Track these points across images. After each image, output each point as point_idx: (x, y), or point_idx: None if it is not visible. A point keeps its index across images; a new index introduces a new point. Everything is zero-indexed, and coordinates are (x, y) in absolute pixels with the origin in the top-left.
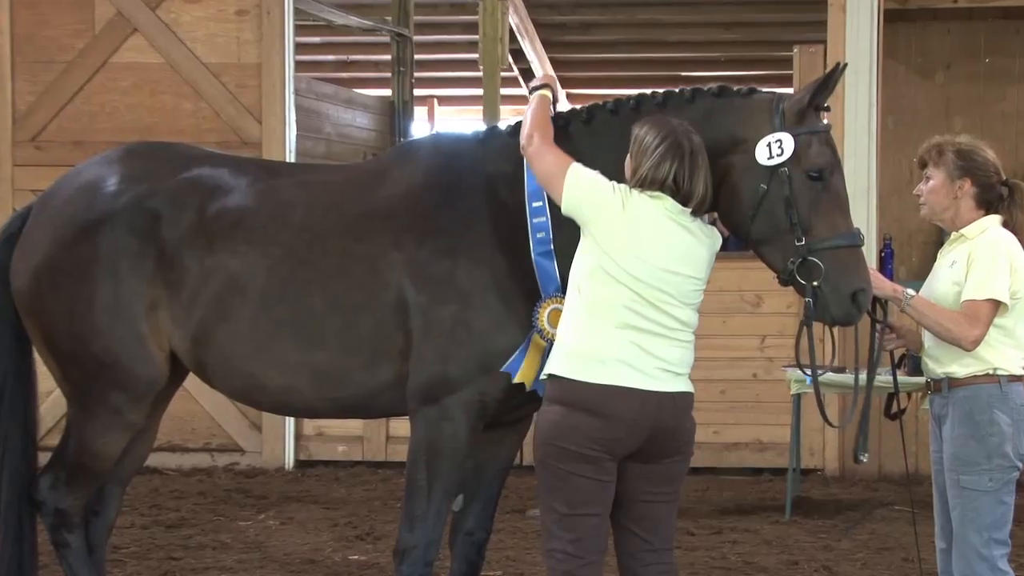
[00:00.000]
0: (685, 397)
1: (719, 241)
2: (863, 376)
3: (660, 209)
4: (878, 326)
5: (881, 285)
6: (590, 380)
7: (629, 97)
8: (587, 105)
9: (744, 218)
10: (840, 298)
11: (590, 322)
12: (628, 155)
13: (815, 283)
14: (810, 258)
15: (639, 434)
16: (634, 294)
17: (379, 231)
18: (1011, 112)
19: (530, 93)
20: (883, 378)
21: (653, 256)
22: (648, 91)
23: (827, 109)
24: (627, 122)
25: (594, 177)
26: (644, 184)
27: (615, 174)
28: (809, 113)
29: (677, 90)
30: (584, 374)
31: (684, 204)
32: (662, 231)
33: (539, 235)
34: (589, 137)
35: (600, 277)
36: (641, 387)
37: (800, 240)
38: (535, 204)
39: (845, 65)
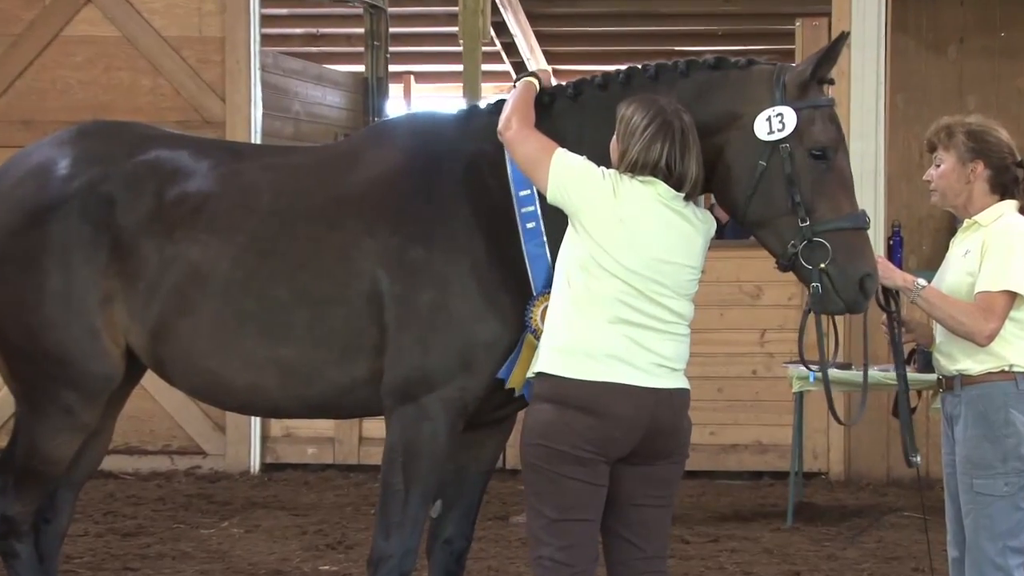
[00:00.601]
0: (682, 394)
1: (714, 226)
2: (883, 375)
3: (653, 195)
4: (893, 318)
5: (890, 274)
6: (583, 377)
7: (619, 71)
8: (574, 80)
9: (741, 198)
10: (846, 284)
11: (581, 316)
12: (614, 136)
13: (821, 266)
14: (815, 239)
15: (635, 434)
16: (627, 286)
17: (351, 217)
18: None
19: (516, 81)
20: (890, 374)
21: (648, 245)
22: (639, 65)
23: (831, 82)
24: (617, 98)
25: (582, 162)
26: (635, 168)
27: (605, 153)
28: (812, 86)
29: (670, 63)
30: (576, 371)
31: (677, 188)
32: (656, 218)
33: (528, 225)
34: (576, 115)
35: (592, 269)
36: (637, 384)
37: (804, 221)
38: (522, 192)
39: (848, 34)
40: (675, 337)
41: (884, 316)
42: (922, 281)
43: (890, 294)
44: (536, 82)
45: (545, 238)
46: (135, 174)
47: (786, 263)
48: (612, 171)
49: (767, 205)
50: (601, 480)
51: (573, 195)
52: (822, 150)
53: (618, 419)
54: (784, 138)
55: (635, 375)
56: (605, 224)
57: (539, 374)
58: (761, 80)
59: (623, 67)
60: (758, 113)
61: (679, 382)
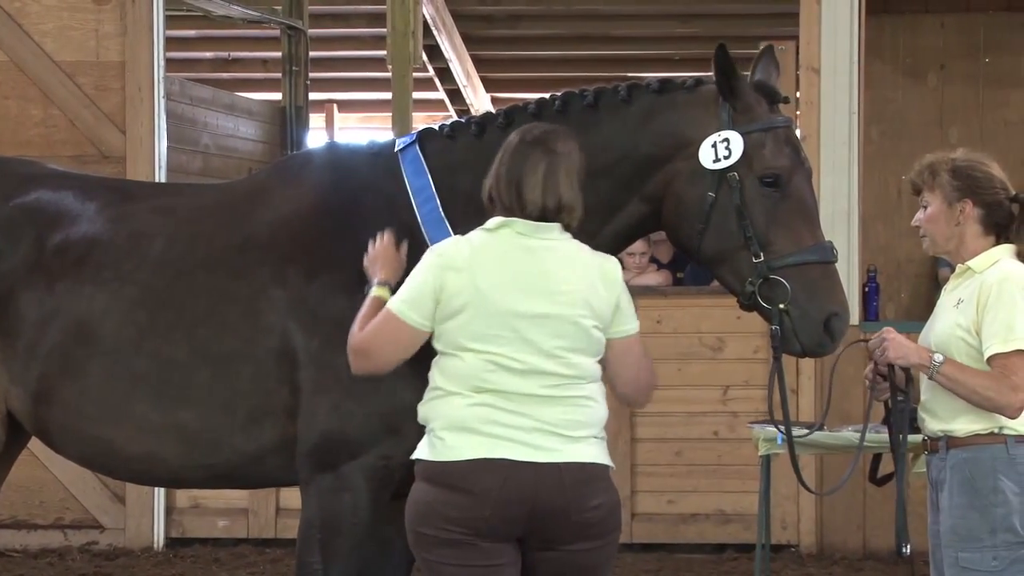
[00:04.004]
0: (581, 468)
1: (616, 265)
2: (874, 436)
3: (504, 243)
4: (900, 399)
5: (903, 353)
6: (450, 457)
7: (554, 97)
8: (505, 108)
9: (692, 233)
10: (810, 324)
11: (448, 396)
12: None
13: (781, 306)
14: (772, 277)
15: (511, 512)
16: (493, 355)
17: (258, 264)
18: (1016, 120)
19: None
20: (870, 435)
21: (503, 304)
22: (576, 90)
23: (785, 100)
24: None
25: (409, 290)
26: (489, 213)
27: None
28: (761, 105)
29: (610, 87)
30: (445, 451)
31: (537, 215)
32: (510, 271)
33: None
34: None
35: (454, 351)
36: (507, 457)
37: (758, 256)
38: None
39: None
40: (567, 401)
41: (867, 370)
42: (939, 356)
43: (903, 371)
44: (387, 295)
45: None
46: (12, 219)
47: (746, 302)
48: (437, 248)
49: (720, 240)
50: (484, 561)
51: (439, 313)
52: (774, 176)
53: (484, 496)
54: (731, 166)
55: (507, 448)
56: (454, 303)
57: (415, 461)
58: (707, 102)
59: (559, 93)
60: (704, 139)
61: (576, 454)
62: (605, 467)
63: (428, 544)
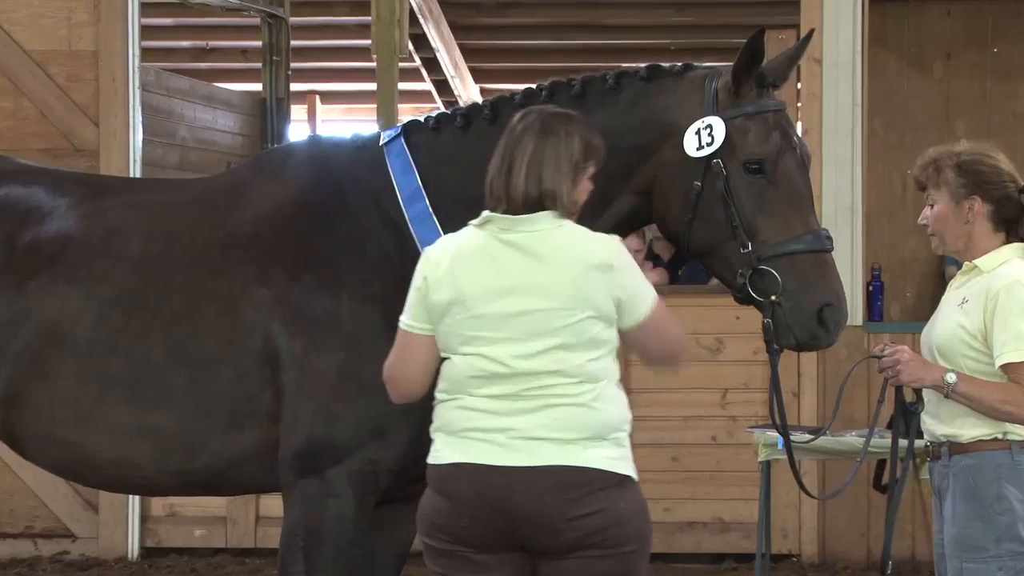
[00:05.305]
0: (566, 472)
1: (603, 243)
2: (861, 441)
3: (484, 240)
4: (911, 411)
5: (920, 377)
6: (439, 461)
7: (541, 87)
8: (491, 99)
9: (681, 224)
10: (802, 316)
11: (445, 400)
12: None
13: (773, 297)
14: (762, 267)
15: (489, 519)
16: (479, 357)
17: (238, 262)
18: None
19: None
20: (874, 441)
21: (480, 304)
22: (564, 79)
23: (773, 85)
24: None
25: (408, 297)
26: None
27: None
28: (748, 90)
29: (598, 76)
30: (437, 456)
31: (522, 204)
32: (487, 268)
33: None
34: (494, 137)
35: (449, 352)
36: (482, 462)
37: (746, 247)
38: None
39: (812, 32)
40: (556, 401)
41: (877, 364)
42: (951, 376)
43: (914, 391)
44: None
45: None
46: None
47: (739, 294)
48: (427, 249)
49: (708, 231)
50: (480, 573)
51: (435, 318)
52: (758, 163)
53: (461, 502)
54: (715, 153)
55: (482, 452)
56: (440, 305)
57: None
58: (693, 88)
59: (546, 82)
60: (689, 126)
61: (561, 458)
62: (606, 473)
63: (430, 554)
